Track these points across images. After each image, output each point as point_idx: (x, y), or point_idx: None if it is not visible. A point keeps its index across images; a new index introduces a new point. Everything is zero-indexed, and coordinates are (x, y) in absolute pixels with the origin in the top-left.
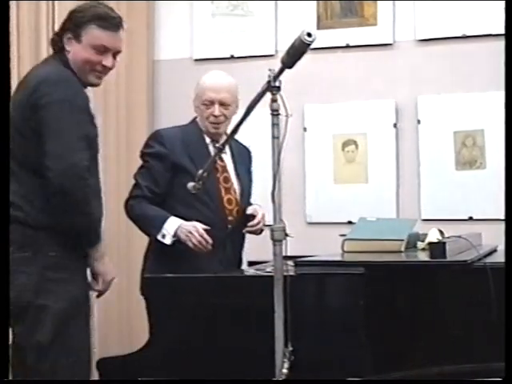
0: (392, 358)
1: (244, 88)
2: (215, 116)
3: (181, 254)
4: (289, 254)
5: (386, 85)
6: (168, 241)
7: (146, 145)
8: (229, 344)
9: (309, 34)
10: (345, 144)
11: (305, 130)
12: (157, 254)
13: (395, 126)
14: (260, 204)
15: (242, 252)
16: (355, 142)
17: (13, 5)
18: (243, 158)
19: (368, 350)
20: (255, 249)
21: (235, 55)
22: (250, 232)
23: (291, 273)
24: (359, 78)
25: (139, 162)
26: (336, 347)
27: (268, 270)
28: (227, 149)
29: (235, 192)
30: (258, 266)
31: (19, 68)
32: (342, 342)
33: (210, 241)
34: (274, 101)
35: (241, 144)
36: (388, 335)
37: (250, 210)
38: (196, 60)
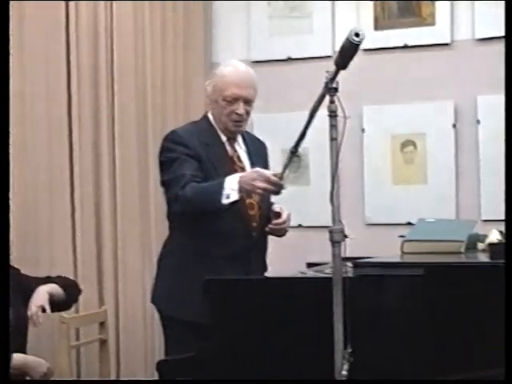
0: (453, 359)
1: (301, 90)
2: (239, 114)
3: (202, 266)
4: (347, 255)
5: (445, 85)
6: (235, 197)
7: (165, 148)
8: (288, 346)
9: (356, 34)
10: (403, 145)
11: (363, 131)
12: (178, 267)
13: (454, 126)
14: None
15: (265, 257)
16: (414, 143)
17: (72, 5)
18: (260, 154)
19: (428, 352)
20: (314, 250)
21: (292, 57)
22: (273, 231)
23: (350, 274)
24: (417, 78)
25: None
26: (395, 349)
27: (327, 271)
28: (244, 146)
29: (256, 196)
30: (316, 268)
31: (79, 71)
32: (402, 344)
33: (276, 180)
34: (331, 102)
35: (256, 139)
36: (448, 337)
37: (277, 208)
38: (253, 62)
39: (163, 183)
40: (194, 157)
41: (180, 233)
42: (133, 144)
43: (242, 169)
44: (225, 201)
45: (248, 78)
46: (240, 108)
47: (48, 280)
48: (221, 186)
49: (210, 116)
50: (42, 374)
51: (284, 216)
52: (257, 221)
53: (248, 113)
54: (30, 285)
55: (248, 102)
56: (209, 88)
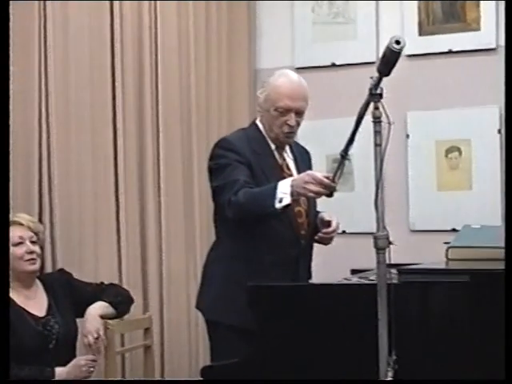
0: (498, 365)
1: (345, 96)
2: (290, 126)
3: (251, 273)
4: (392, 261)
5: (490, 91)
6: (288, 200)
7: (216, 155)
8: (333, 352)
9: (397, 42)
10: (448, 151)
11: (407, 136)
12: (226, 273)
13: (499, 132)
14: (326, 211)
15: (311, 265)
16: (459, 149)
17: (116, 4)
18: (305, 162)
19: (474, 359)
20: (358, 257)
21: (336, 63)
22: (322, 240)
23: (395, 281)
24: (462, 83)
25: None
26: (441, 356)
27: (371, 278)
28: (291, 155)
29: (304, 203)
30: (361, 274)
31: (123, 68)
32: (447, 351)
33: (329, 182)
34: (375, 108)
35: (301, 147)
36: (494, 344)
37: (326, 217)
38: (297, 68)
39: (214, 189)
40: (245, 164)
41: (228, 239)
42: (177, 148)
43: (291, 177)
44: (278, 205)
45: (301, 90)
46: (292, 119)
47: (101, 288)
48: (274, 190)
49: (260, 124)
50: (87, 368)
51: (334, 224)
52: (305, 228)
53: (298, 124)
54: (82, 291)
55: (299, 113)
56: (261, 97)
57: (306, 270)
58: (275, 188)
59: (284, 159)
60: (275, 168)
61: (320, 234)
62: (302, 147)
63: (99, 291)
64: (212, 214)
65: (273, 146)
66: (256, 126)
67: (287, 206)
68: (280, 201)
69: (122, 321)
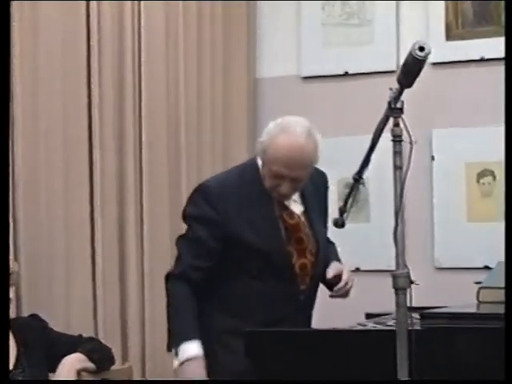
0: None
1: (360, 110)
2: (281, 194)
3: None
4: (414, 304)
5: None
6: (175, 363)
7: (191, 202)
8: None
9: (421, 48)
10: (480, 175)
11: (432, 158)
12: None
13: None
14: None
15: (311, 319)
16: (492, 173)
17: (93, 5)
18: (318, 192)
19: None
20: (374, 298)
21: (350, 72)
22: (337, 296)
23: (417, 327)
24: (497, 97)
25: None
26: None
27: (389, 323)
28: (298, 198)
29: (311, 254)
30: (377, 319)
31: (100, 81)
32: None
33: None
34: (395, 125)
35: (314, 170)
36: None
37: (331, 272)
38: (304, 78)
39: (176, 242)
40: (217, 222)
41: (211, 295)
42: (164, 173)
43: (295, 226)
44: (172, 352)
45: (303, 157)
46: (284, 188)
47: (79, 341)
48: (181, 340)
49: (259, 163)
50: None
51: (345, 277)
52: (306, 283)
53: (296, 189)
54: (59, 343)
55: (296, 181)
56: (259, 147)
57: (305, 323)
58: (182, 341)
59: (286, 207)
60: (270, 219)
61: (333, 293)
62: (316, 170)
63: (77, 343)
64: None
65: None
66: (255, 165)
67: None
68: (175, 353)
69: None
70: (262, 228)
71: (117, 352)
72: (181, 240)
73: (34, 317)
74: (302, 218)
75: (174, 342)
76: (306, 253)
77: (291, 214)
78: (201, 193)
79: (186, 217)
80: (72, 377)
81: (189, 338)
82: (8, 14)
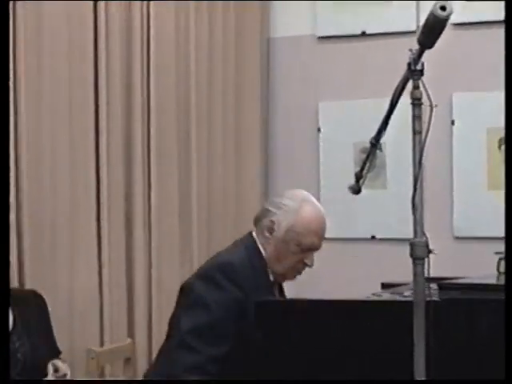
0: None
1: (378, 72)
2: (309, 265)
3: None
4: (432, 274)
5: None
6: None
7: (214, 280)
8: (361, 376)
9: (443, 8)
10: (502, 141)
11: (453, 123)
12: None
13: None
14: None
15: None
16: None
17: (101, 5)
18: None
19: None
20: (390, 268)
21: (367, 32)
22: None
23: (435, 298)
24: None
25: (248, 156)
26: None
27: (406, 293)
28: None
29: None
30: (393, 289)
31: (108, 71)
32: (497, 378)
33: None
34: (415, 88)
35: None
36: None
37: None
38: (319, 38)
39: (186, 318)
40: (243, 302)
41: None
42: (172, 139)
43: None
44: None
45: (325, 225)
46: (312, 259)
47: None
48: None
49: (261, 248)
50: None
51: None
52: None
53: None
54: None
55: (317, 250)
56: (282, 224)
57: None
58: None
59: (278, 293)
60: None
61: None
62: None
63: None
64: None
65: (271, 277)
66: (257, 249)
67: None
68: None
69: (105, 348)
70: None
71: (123, 327)
72: (193, 328)
73: (33, 292)
74: None
75: None
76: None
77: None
78: (225, 272)
79: (202, 297)
80: None
81: None
82: (8, 14)
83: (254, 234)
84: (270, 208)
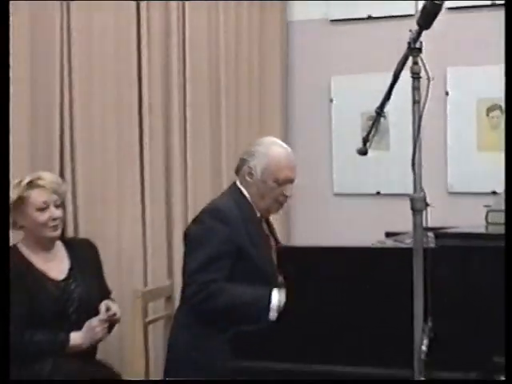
0: None
1: (382, 50)
2: (286, 197)
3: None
4: (429, 224)
5: None
6: (274, 316)
7: (206, 226)
8: (366, 317)
9: None
10: (489, 109)
11: (447, 94)
12: None
13: None
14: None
15: None
16: (500, 107)
17: (143, 4)
18: None
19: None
20: (393, 219)
21: (373, 15)
22: None
23: (432, 245)
24: (504, 38)
25: (270, 123)
26: (478, 323)
27: (407, 241)
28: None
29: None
30: (396, 237)
31: (150, 74)
32: (485, 318)
33: None
34: (414, 63)
35: None
36: None
37: None
38: (332, 21)
39: (190, 262)
40: (233, 239)
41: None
42: (205, 101)
43: (273, 246)
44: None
45: (294, 160)
46: (289, 190)
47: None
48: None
49: (245, 191)
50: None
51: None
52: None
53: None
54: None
55: (292, 182)
56: (258, 167)
57: None
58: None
59: (266, 228)
60: (264, 237)
61: None
62: None
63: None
64: None
65: (258, 214)
66: (241, 192)
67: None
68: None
69: (148, 289)
70: (260, 245)
71: (163, 270)
72: (193, 266)
73: (87, 240)
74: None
75: (259, 310)
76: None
77: (271, 233)
78: (214, 215)
79: (196, 240)
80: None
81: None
82: (8, 14)
83: (237, 182)
84: (246, 157)
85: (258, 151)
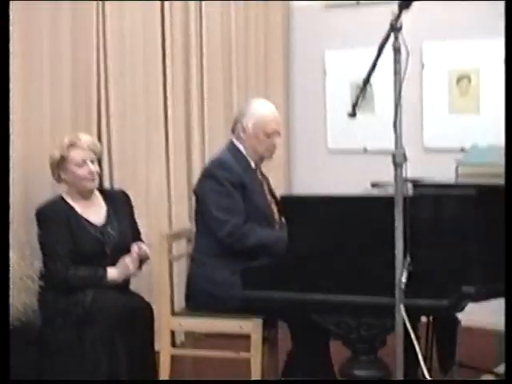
0: (498, 269)
1: (370, 29)
2: (275, 145)
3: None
4: (408, 176)
5: (499, 24)
6: None
7: (215, 175)
8: (355, 254)
9: None
10: (459, 78)
11: (423, 66)
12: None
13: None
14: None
15: None
16: (469, 77)
17: (167, 5)
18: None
19: (477, 260)
20: (378, 171)
21: (360, 2)
22: None
23: (410, 193)
24: (474, 17)
25: (274, 91)
26: (449, 258)
27: (389, 190)
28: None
29: (277, 207)
30: (380, 187)
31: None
32: (455, 254)
33: None
34: (395, 39)
35: None
36: (495, 249)
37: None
38: (326, 6)
39: (213, 210)
40: (239, 184)
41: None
42: (219, 77)
43: (266, 191)
44: None
45: (278, 115)
46: (276, 140)
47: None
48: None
49: (240, 146)
50: (133, 265)
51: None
52: (277, 225)
53: None
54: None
55: (279, 134)
56: (249, 124)
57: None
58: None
59: (261, 176)
60: (260, 184)
61: None
62: None
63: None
64: None
65: (253, 165)
66: (238, 148)
67: None
68: None
69: (172, 232)
70: (257, 190)
71: (185, 214)
72: (216, 214)
73: (121, 191)
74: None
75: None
76: (276, 206)
77: (265, 181)
78: (220, 166)
79: (210, 192)
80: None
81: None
82: (8, 14)
83: (234, 140)
84: (238, 117)
85: (248, 111)
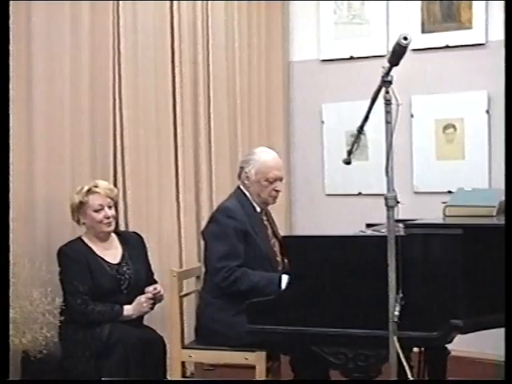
0: (483, 302)
1: (362, 82)
2: (278, 191)
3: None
4: (400, 217)
5: (480, 78)
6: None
7: (220, 223)
8: (351, 290)
9: (405, 38)
10: (445, 127)
11: (412, 116)
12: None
13: (487, 112)
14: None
15: None
16: (454, 126)
17: (175, 5)
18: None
19: (465, 296)
20: (372, 213)
21: (354, 56)
22: None
23: (402, 233)
24: (457, 73)
25: (276, 142)
26: (439, 293)
27: (382, 230)
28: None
29: (280, 251)
30: (374, 228)
31: (181, 67)
32: (444, 289)
33: None
34: (386, 92)
35: None
36: (481, 285)
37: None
38: (322, 60)
39: (214, 251)
40: (241, 230)
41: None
42: (225, 122)
43: (270, 234)
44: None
45: (281, 162)
46: (279, 186)
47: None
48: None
49: (246, 192)
50: (147, 304)
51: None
52: (280, 268)
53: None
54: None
55: (281, 180)
56: (252, 171)
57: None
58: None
59: (266, 220)
60: (264, 227)
61: None
62: None
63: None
64: None
65: (258, 209)
66: (244, 194)
67: None
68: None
69: (182, 270)
70: (261, 234)
71: (194, 255)
72: (216, 253)
73: (135, 233)
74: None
75: (273, 289)
76: (280, 248)
77: (269, 225)
78: (224, 213)
79: (213, 234)
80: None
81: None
82: (7, 14)
83: (240, 186)
84: (243, 165)
85: (251, 159)
